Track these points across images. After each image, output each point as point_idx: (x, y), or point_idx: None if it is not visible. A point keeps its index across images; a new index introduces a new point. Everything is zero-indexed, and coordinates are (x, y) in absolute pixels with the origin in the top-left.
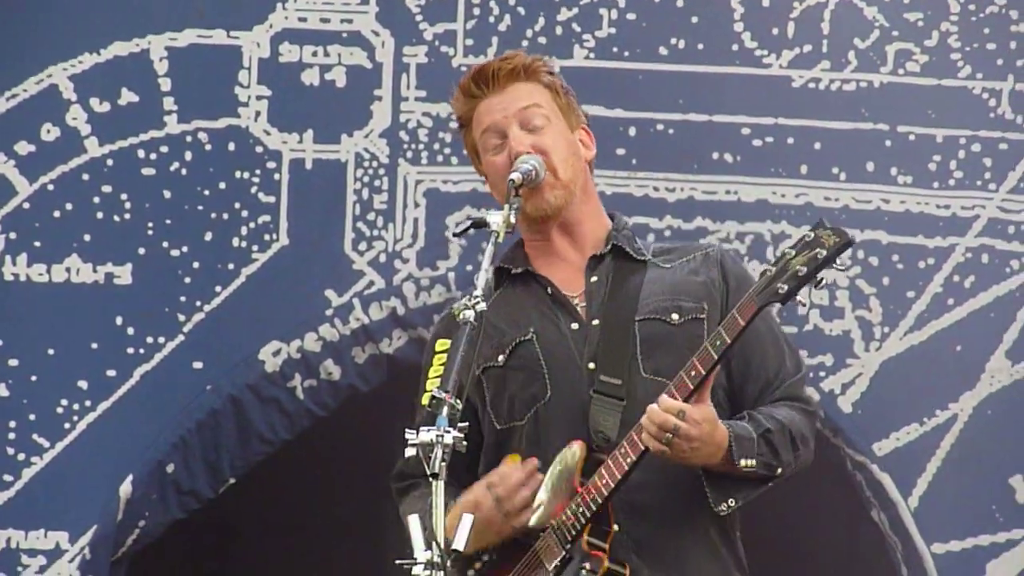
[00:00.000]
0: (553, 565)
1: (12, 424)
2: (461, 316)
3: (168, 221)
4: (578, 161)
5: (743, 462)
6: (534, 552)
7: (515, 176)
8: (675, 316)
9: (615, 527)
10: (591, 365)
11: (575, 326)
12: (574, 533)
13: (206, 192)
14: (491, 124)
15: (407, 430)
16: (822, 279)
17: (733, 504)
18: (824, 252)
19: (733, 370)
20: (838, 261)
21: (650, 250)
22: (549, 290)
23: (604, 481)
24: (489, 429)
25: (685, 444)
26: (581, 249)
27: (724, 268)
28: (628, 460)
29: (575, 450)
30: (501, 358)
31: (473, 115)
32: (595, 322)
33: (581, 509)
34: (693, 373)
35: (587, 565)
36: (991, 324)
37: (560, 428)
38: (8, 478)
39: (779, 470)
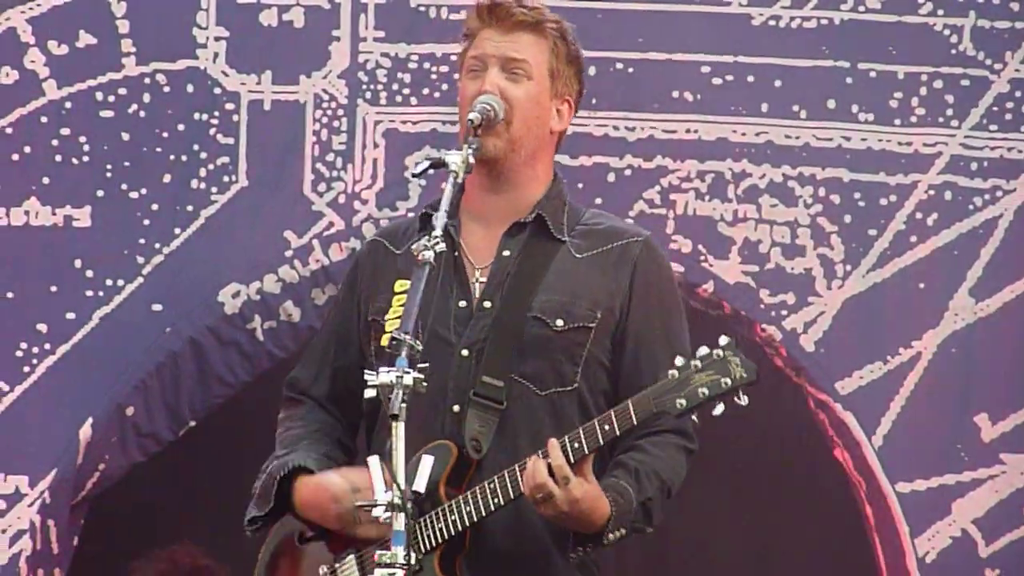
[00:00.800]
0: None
1: None
2: (421, 257)
3: (127, 164)
4: (540, 126)
5: (611, 536)
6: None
7: (473, 116)
8: (560, 322)
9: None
10: (464, 352)
11: (463, 304)
12: (428, 547)
13: (165, 134)
14: (480, 53)
15: (366, 371)
16: (719, 408)
17: (581, 554)
18: (728, 383)
19: (624, 366)
20: (739, 397)
21: (578, 219)
22: (456, 254)
23: (468, 509)
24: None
25: (552, 512)
26: (503, 214)
27: (635, 273)
28: (496, 501)
29: (447, 453)
30: (389, 317)
31: (475, 36)
32: (487, 304)
33: (440, 526)
34: (576, 445)
35: None
36: (954, 261)
37: (423, 408)
38: None
39: (647, 530)
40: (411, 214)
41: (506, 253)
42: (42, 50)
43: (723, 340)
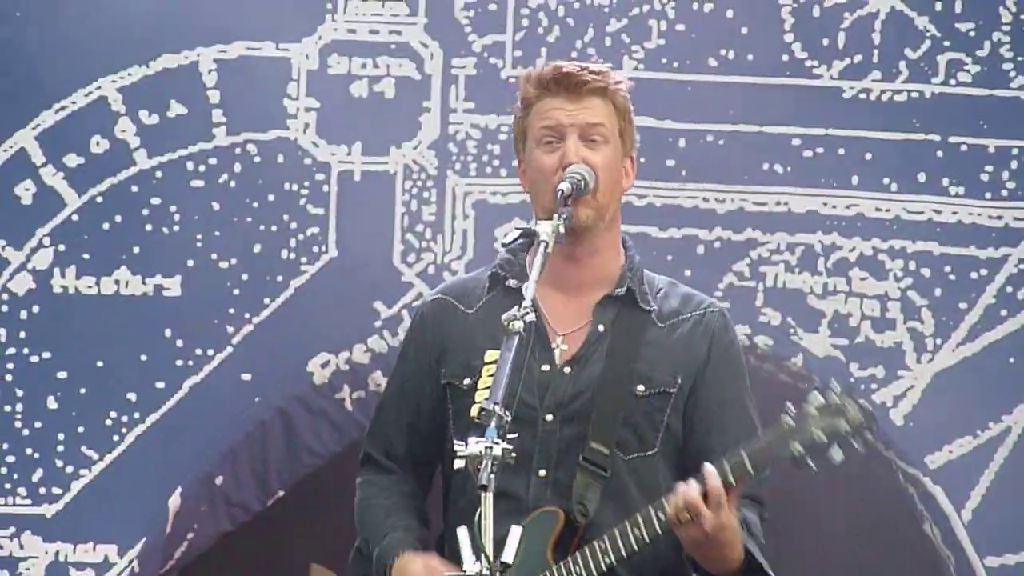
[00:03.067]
0: None
1: (61, 437)
2: (512, 327)
3: (217, 233)
4: (618, 189)
5: None
6: None
7: (564, 186)
8: (641, 388)
9: None
10: (548, 417)
11: (545, 368)
12: None
13: (255, 204)
14: (554, 124)
15: (455, 441)
16: (838, 454)
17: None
18: (847, 427)
19: (696, 434)
20: (855, 440)
21: (653, 287)
22: (537, 320)
23: (591, 562)
24: (448, 443)
25: (696, 534)
26: (586, 283)
27: (713, 342)
28: (636, 534)
29: (554, 518)
30: (467, 382)
31: (538, 104)
32: (567, 370)
33: None
34: (727, 471)
35: None
36: None
37: (508, 476)
38: (57, 491)
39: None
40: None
41: (600, 328)
42: (133, 119)
43: (836, 385)
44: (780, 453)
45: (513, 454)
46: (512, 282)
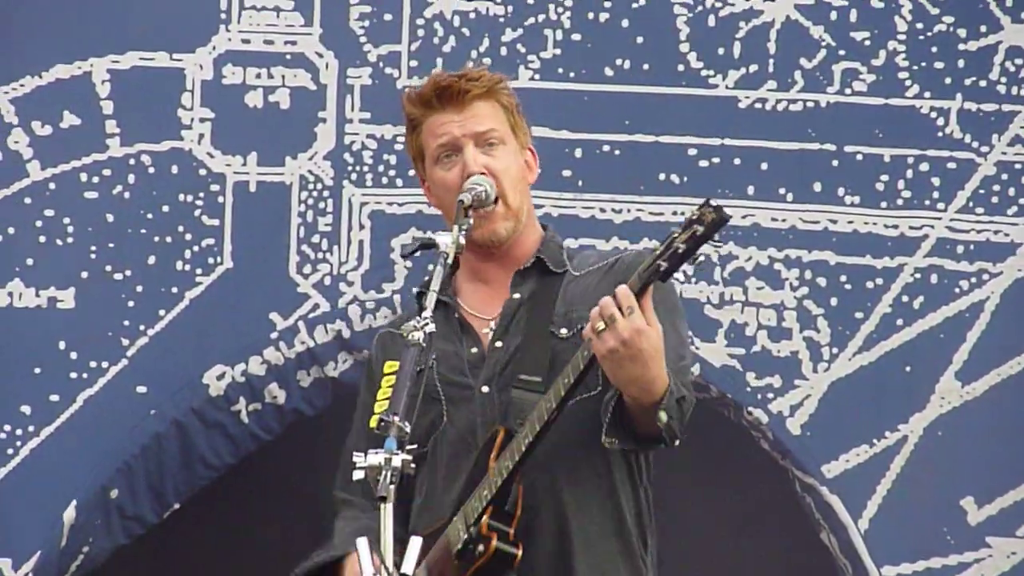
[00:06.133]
0: (456, 549)
1: None
2: (410, 338)
3: (111, 245)
4: (525, 186)
5: (663, 416)
6: (445, 537)
7: (465, 197)
8: (564, 331)
9: (519, 511)
10: (484, 388)
11: (474, 350)
12: (476, 515)
13: (149, 215)
14: (448, 140)
15: (355, 453)
16: (700, 256)
17: (616, 444)
18: (701, 229)
19: None
20: (716, 237)
21: (573, 255)
22: (457, 315)
23: (505, 462)
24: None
25: (612, 342)
26: (508, 268)
27: (625, 268)
28: (526, 439)
29: (495, 435)
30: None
31: (426, 122)
32: (498, 344)
33: (484, 491)
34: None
35: (480, 547)
36: (940, 345)
37: (453, 456)
38: None
39: (676, 441)
40: (397, 296)
41: (516, 296)
42: (26, 130)
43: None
44: (652, 276)
45: (413, 465)
46: (444, 297)
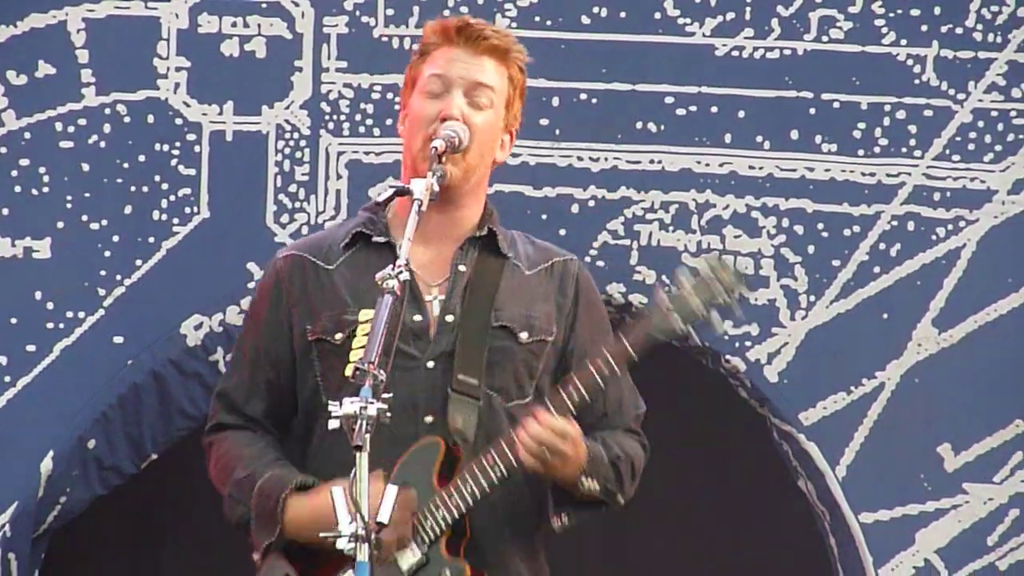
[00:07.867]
0: (408, 566)
1: None
2: (386, 286)
3: (87, 194)
4: (490, 156)
5: (587, 482)
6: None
7: (438, 143)
8: (524, 335)
9: (468, 535)
10: (430, 364)
11: (418, 318)
12: (432, 536)
13: (125, 165)
14: (444, 73)
15: (330, 402)
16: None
17: (567, 521)
18: (724, 294)
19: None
20: (734, 307)
21: (510, 238)
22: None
23: (469, 488)
24: (313, 399)
25: (559, 462)
26: (448, 235)
27: (579, 291)
28: (497, 471)
29: (435, 448)
30: (339, 337)
31: (435, 51)
32: (448, 317)
33: (442, 513)
34: (575, 397)
35: (447, 572)
36: (918, 292)
37: (394, 422)
38: None
39: (618, 497)
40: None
41: (462, 268)
42: (0, 80)
43: (704, 258)
44: (663, 329)
45: (388, 413)
46: (378, 238)
